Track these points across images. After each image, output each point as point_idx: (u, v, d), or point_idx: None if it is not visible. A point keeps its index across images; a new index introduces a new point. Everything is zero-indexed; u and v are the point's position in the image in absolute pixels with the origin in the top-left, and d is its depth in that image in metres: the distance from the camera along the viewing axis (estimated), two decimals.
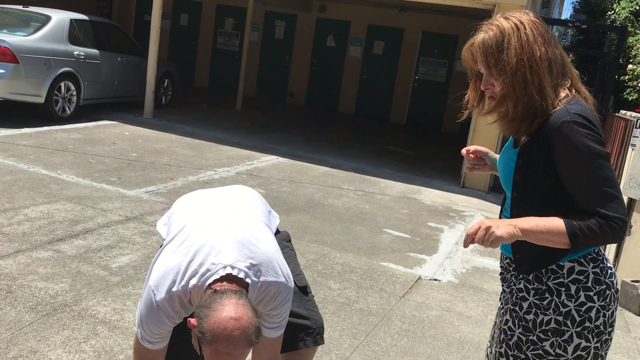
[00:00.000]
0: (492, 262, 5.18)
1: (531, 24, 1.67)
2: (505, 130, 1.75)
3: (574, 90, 1.69)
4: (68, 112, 8.36)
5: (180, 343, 1.95)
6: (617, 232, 1.57)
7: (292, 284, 1.89)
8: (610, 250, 5.35)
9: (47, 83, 7.82)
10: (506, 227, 1.59)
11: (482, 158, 2.08)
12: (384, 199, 6.82)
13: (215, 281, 1.69)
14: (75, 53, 8.31)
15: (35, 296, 3.24)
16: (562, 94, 1.67)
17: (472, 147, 2.08)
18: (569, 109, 1.61)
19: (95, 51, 8.79)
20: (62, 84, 8.14)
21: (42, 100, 7.81)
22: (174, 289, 1.72)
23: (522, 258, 1.75)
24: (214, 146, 8.25)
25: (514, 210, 1.76)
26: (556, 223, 1.60)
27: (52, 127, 7.76)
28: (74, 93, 8.40)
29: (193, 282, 1.71)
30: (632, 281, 4.65)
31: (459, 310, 4.02)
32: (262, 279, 1.77)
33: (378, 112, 14.41)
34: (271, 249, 1.84)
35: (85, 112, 8.87)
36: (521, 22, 1.66)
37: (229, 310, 1.56)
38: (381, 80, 14.32)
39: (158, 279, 1.74)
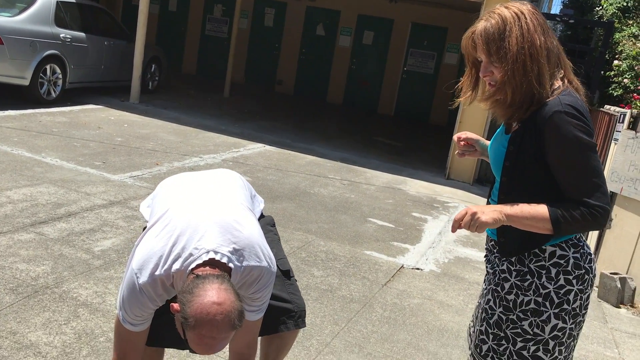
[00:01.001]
0: (474, 252, 5.23)
1: (531, 13, 1.71)
2: (500, 116, 1.80)
3: (566, 81, 1.73)
4: (53, 95, 8.27)
5: (162, 324, 1.96)
6: (599, 220, 1.63)
7: (274, 268, 1.90)
8: (590, 242, 5.42)
9: (33, 65, 7.73)
10: (491, 213, 1.64)
11: (472, 145, 2.12)
12: (370, 189, 6.85)
13: (198, 266, 1.69)
14: (61, 35, 8.22)
15: (16, 278, 3.23)
16: (556, 85, 1.72)
17: (462, 134, 2.13)
18: (561, 99, 1.66)
19: (81, 34, 8.70)
20: (48, 67, 8.05)
21: (27, 82, 7.72)
22: (157, 272, 1.72)
23: (507, 242, 1.81)
24: (201, 133, 8.22)
25: (501, 195, 1.81)
26: (540, 209, 1.65)
27: (37, 110, 7.68)
28: (60, 76, 8.31)
29: (176, 266, 1.71)
30: (610, 273, 4.73)
31: (440, 299, 4.06)
32: (244, 263, 1.78)
33: (366, 103, 14.42)
34: (254, 234, 1.85)
35: (71, 96, 8.79)
36: (522, 12, 1.71)
37: (212, 295, 1.57)
38: (370, 71, 14.32)
39: (141, 262, 1.74)
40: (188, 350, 1.66)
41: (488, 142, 2.09)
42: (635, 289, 4.69)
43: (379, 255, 4.68)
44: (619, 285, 4.63)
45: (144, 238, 1.81)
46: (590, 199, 1.63)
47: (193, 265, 1.69)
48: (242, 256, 1.77)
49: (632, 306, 4.67)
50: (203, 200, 1.89)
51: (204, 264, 1.69)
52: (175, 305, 1.62)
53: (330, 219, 5.38)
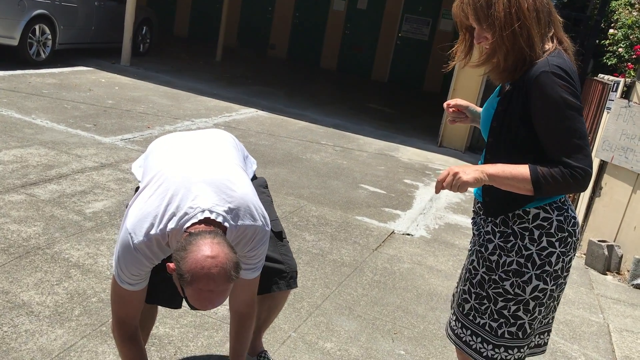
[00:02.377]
0: (464, 219, 5.27)
1: None
2: (496, 80, 1.80)
3: (556, 41, 1.72)
4: (43, 56, 8.14)
5: (158, 282, 1.98)
6: (580, 182, 1.63)
7: (269, 227, 1.91)
8: (580, 210, 5.48)
9: (21, 25, 7.58)
10: (473, 172, 1.64)
11: (463, 112, 2.12)
12: (362, 156, 6.85)
13: (193, 224, 1.70)
14: None
15: (7, 238, 3.23)
16: (547, 47, 1.71)
17: (452, 101, 2.13)
18: (549, 60, 1.66)
19: None
20: (37, 27, 7.90)
21: (15, 42, 7.58)
22: (152, 232, 1.72)
23: (491, 201, 1.83)
24: (192, 96, 8.15)
25: (487, 155, 1.82)
26: (522, 170, 1.65)
27: (27, 71, 7.57)
28: (49, 37, 8.17)
29: (171, 225, 1.72)
30: (598, 241, 4.79)
31: (429, 264, 4.11)
32: (239, 222, 1.79)
33: (360, 69, 14.31)
34: (248, 193, 1.85)
35: (60, 57, 8.66)
36: None
37: (205, 249, 1.58)
38: (364, 37, 14.16)
39: (135, 222, 1.74)
40: (189, 308, 1.68)
41: (479, 109, 2.09)
42: (622, 256, 4.76)
43: (370, 221, 4.71)
44: (606, 253, 4.70)
45: (137, 198, 1.81)
46: (571, 160, 1.62)
47: (188, 224, 1.70)
48: (237, 215, 1.78)
49: (618, 273, 4.75)
50: (196, 160, 1.89)
51: (199, 222, 1.70)
52: (171, 265, 1.63)
53: (322, 185, 5.39)
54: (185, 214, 1.71)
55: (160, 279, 1.95)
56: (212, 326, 2.83)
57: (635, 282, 4.55)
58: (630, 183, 4.78)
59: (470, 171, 1.65)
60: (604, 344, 3.49)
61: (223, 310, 2.97)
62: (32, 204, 3.73)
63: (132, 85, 8.09)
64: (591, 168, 1.64)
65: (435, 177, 6.54)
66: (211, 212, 1.72)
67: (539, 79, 1.64)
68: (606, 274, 4.72)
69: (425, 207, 5.38)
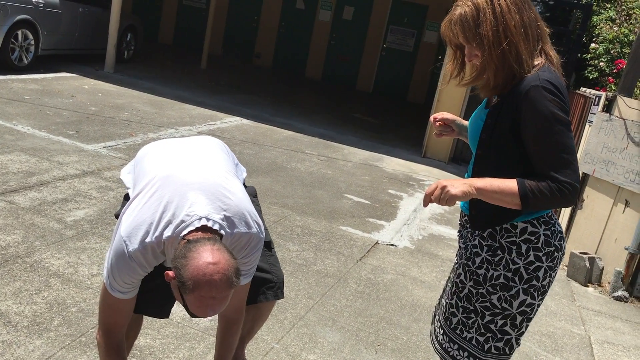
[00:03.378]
0: (448, 230, 5.28)
1: None
2: (487, 95, 1.81)
3: (544, 54, 1.73)
4: (25, 61, 8.05)
5: (147, 292, 1.95)
6: (567, 197, 1.63)
7: (263, 234, 1.90)
8: (562, 222, 5.52)
9: (3, 30, 7.49)
10: (461, 186, 1.64)
11: (449, 125, 2.13)
12: (347, 165, 6.85)
13: (190, 232, 1.69)
14: (33, 0, 7.97)
15: None
16: (536, 62, 1.72)
17: (439, 115, 2.13)
18: (540, 74, 1.67)
19: (55, 0, 8.45)
20: (20, 32, 7.81)
21: None
22: (147, 239, 1.71)
23: (478, 215, 1.83)
24: (177, 104, 8.10)
25: (476, 167, 1.82)
26: (509, 184, 1.66)
27: (8, 77, 7.48)
28: (32, 42, 8.08)
29: (167, 233, 1.70)
30: (580, 253, 4.83)
31: (413, 275, 4.11)
32: (235, 230, 1.78)
33: (345, 79, 14.36)
34: (243, 200, 1.84)
35: (43, 63, 8.57)
36: None
37: (206, 256, 1.57)
38: (350, 47, 14.23)
39: (130, 230, 1.72)
40: (189, 315, 1.66)
41: (465, 122, 2.10)
42: (603, 268, 4.80)
43: (354, 231, 4.71)
44: (587, 265, 4.74)
45: (131, 205, 1.79)
46: (559, 175, 1.63)
47: (185, 232, 1.69)
48: (233, 223, 1.77)
49: (599, 285, 4.79)
50: (190, 167, 1.87)
51: (196, 230, 1.69)
52: (170, 273, 1.61)
53: (306, 194, 5.38)
54: (182, 221, 1.70)
55: (148, 288, 1.92)
56: (194, 337, 2.79)
57: (616, 294, 4.59)
58: (611, 196, 4.84)
59: (458, 185, 1.65)
60: (586, 356, 3.51)
61: (205, 321, 2.94)
62: (12, 211, 3.67)
63: (115, 92, 8.03)
64: (578, 183, 1.65)
65: (419, 188, 6.56)
66: (208, 219, 1.71)
67: (529, 94, 1.65)
68: (588, 286, 4.76)
69: (409, 217, 5.39)
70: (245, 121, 8.00)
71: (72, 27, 8.90)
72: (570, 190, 1.63)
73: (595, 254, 4.90)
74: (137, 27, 10.66)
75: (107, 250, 1.81)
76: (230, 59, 14.73)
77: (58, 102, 6.71)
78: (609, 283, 4.70)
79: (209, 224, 1.70)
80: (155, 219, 1.72)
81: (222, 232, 1.73)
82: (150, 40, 14.21)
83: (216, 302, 1.59)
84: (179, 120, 7.17)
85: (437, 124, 2.13)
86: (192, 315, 1.64)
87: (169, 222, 1.71)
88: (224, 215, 1.75)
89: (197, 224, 1.69)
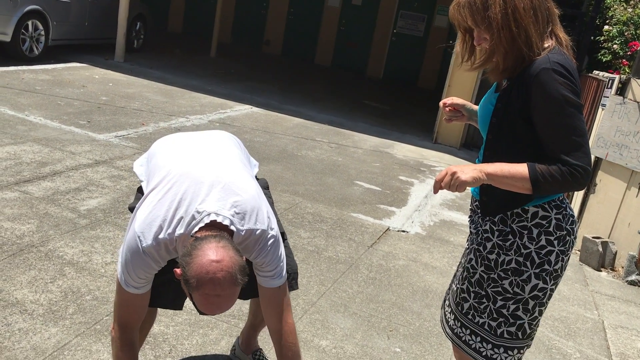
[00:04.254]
0: (459, 215, 5.27)
1: None
2: (496, 79, 1.79)
3: (554, 37, 1.71)
4: (36, 52, 8.09)
5: (160, 285, 1.97)
6: (578, 180, 1.62)
7: (275, 232, 1.87)
8: (574, 206, 5.49)
9: (14, 20, 7.53)
10: (471, 172, 1.63)
11: (459, 110, 2.11)
12: (357, 152, 6.84)
13: (200, 229, 1.69)
14: None
15: (1, 236, 3.20)
16: (546, 44, 1.70)
17: (448, 100, 2.12)
18: (550, 57, 1.65)
19: None
20: (30, 23, 7.84)
21: (8, 38, 7.53)
22: (161, 236, 1.72)
23: (489, 200, 1.82)
24: (187, 93, 8.11)
25: (486, 152, 1.81)
26: (520, 168, 1.65)
27: (19, 67, 7.52)
28: (42, 32, 8.11)
29: (180, 231, 1.71)
30: (592, 237, 4.80)
31: (424, 261, 4.11)
32: (245, 226, 1.77)
33: (355, 65, 14.29)
34: (255, 197, 1.84)
35: (54, 53, 8.60)
36: None
37: (210, 254, 1.57)
38: (359, 33, 14.14)
39: (144, 226, 1.73)
40: (198, 313, 1.67)
41: (475, 107, 2.08)
42: (616, 252, 4.77)
43: (365, 218, 4.71)
44: (600, 249, 4.71)
45: (145, 201, 1.80)
46: (570, 158, 1.61)
47: (196, 229, 1.69)
48: (243, 219, 1.77)
49: (612, 269, 4.76)
50: (204, 163, 1.87)
51: (206, 226, 1.69)
52: (178, 270, 1.63)
53: (317, 182, 5.38)
54: (193, 218, 1.71)
55: (162, 282, 1.94)
56: (207, 324, 2.82)
57: (629, 278, 4.57)
58: (624, 180, 4.79)
59: (468, 170, 1.64)
60: (599, 341, 3.50)
61: None
62: (26, 201, 3.70)
63: (126, 81, 8.05)
64: (590, 166, 1.63)
65: (430, 174, 6.54)
66: (217, 214, 1.71)
67: (540, 76, 1.63)
68: (600, 271, 4.73)
69: (420, 203, 5.38)
70: (255, 109, 8.00)
71: (81, 17, 8.91)
72: (582, 173, 1.61)
73: (608, 238, 4.87)
74: (146, 15, 10.66)
75: (121, 246, 1.82)
76: (240, 46, 14.70)
77: (69, 92, 6.74)
78: (622, 267, 4.68)
79: (219, 220, 1.70)
80: (169, 215, 1.73)
81: (233, 228, 1.73)
82: (160, 29, 14.21)
83: (222, 300, 1.59)
84: (190, 109, 7.18)
85: (447, 109, 2.12)
86: (201, 312, 1.65)
87: (182, 220, 1.72)
88: (234, 211, 1.75)
89: (207, 220, 1.69)
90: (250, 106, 8.10)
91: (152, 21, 11.13)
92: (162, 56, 10.84)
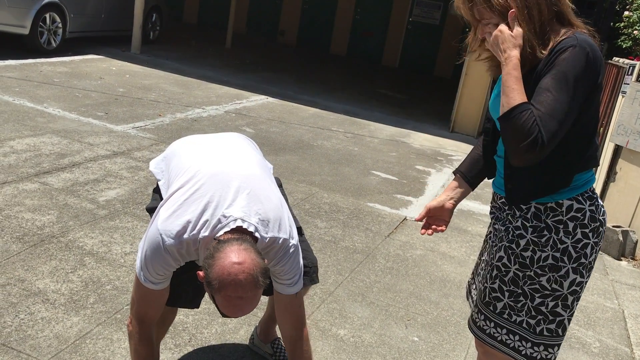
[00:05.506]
0: (477, 205, 5.24)
1: None
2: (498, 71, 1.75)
3: (574, 28, 1.68)
4: (54, 44, 8.16)
5: (180, 285, 1.98)
6: (533, 147, 1.54)
7: (295, 242, 1.88)
8: None
9: (32, 13, 7.59)
10: (514, 49, 1.61)
11: (440, 217, 1.99)
12: (373, 142, 6.82)
13: (225, 233, 1.70)
14: None
15: (22, 227, 3.25)
16: (562, 30, 1.65)
17: (422, 213, 2.00)
18: (578, 37, 1.61)
19: None
20: (47, 15, 7.90)
21: (26, 31, 7.60)
22: (185, 236, 1.72)
23: (514, 188, 1.77)
24: (203, 84, 8.14)
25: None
26: (516, 97, 1.58)
27: (38, 60, 7.59)
28: (60, 25, 8.17)
29: (205, 233, 1.72)
30: (613, 226, 4.75)
31: (442, 251, 4.09)
32: (269, 234, 1.78)
33: (371, 54, 14.22)
34: (278, 206, 1.85)
35: (71, 46, 8.67)
36: None
37: (232, 256, 1.58)
38: (375, 22, 14.06)
39: (168, 224, 1.73)
40: (221, 315, 1.68)
41: (450, 203, 1.98)
42: (637, 241, 4.72)
43: (382, 208, 4.70)
44: (620, 238, 4.66)
45: (171, 199, 1.79)
46: (545, 130, 1.54)
47: (221, 233, 1.70)
48: (267, 226, 1.78)
49: (633, 259, 4.71)
50: (230, 166, 1.87)
51: (231, 231, 1.70)
52: (201, 273, 1.64)
53: (333, 172, 5.37)
54: (219, 221, 1.71)
55: (179, 282, 1.95)
56: None
57: None
58: None
59: (509, 46, 1.61)
60: (619, 330, 3.47)
61: None
62: (46, 192, 3.75)
63: (142, 73, 8.09)
64: (545, 148, 1.55)
65: (447, 163, 6.50)
66: (243, 221, 1.71)
67: (564, 52, 1.59)
68: (621, 260, 4.68)
69: (437, 193, 5.36)
70: (271, 99, 8.00)
71: (98, 10, 8.96)
72: (541, 144, 1.54)
73: (629, 227, 4.81)
74: (161, 7, 10.69)
75: (141, 240, 1.83)
76: (255, 37, 14.69)
77: (87, 84, 6.80)
78: None
79: (244, 225, 1.71)
80: (195, 216, 1.73)
81: (257, 235, 1.74)
82: (175, 20, 14.24)
83: (244, 302, 1.59)
84: (206, 100, 7.20)
85: (429, 231, 1.99)
86: (223, 315, 1.66)
87: (207, 222, 1.72)
88: (259, 218, 1.76)
89: (233, 225, 1.70)
90: (266, 96, 8.11)
91: (167, 13, 11.16)
92: (178, 47, 10.87)
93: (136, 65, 8.47)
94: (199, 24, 15.22)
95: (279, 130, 6.43)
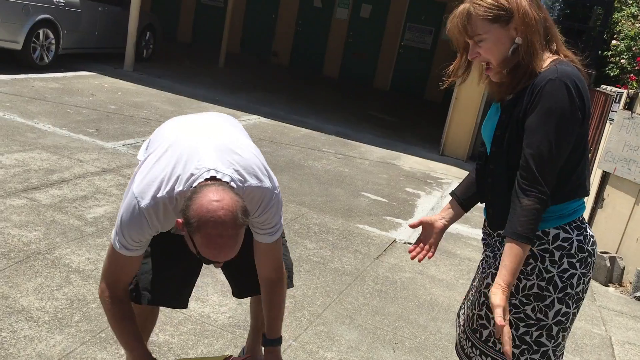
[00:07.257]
0: (466, 228, 5.25)
1: None
2: (497, 95, 1.77)
3: (561, 55, 1.70)
4: (46, 60, 8.16)
5: (165, 280, 1.96)
6: (545, 203, 1.62)
7: (277, 190, 1.88)
8: None
9: (25, 29, 7.60)
10: (499, 295, 1.61)
11: (428, 236, 2.04)
12: (364, 163, 6.84)
13: (199, 185, 1.68)
14: (54, 0, 8.07)
15: (7, 243, 3.22)
16: (548, 59, 1.67)
17: (416, 222, 2.05)
18: (558, 68, 1.62)
19: None
20: (41, 32, 7.91)
21: (19, 46, 7.60)
22: (159, 194, 1.70)
23: (495, 213, 1.78)
24: (195, 103, 8.15)
25: (491, 165, 1.78)
26: (515, 253, 1.62)
27: (30, 75, 7.58)
28: (53, 41, 8.18)
29: (178, 187, 1.70)
30: (601, 252, 4.77)
31: (431, 274, 4.09)
32: (246, 184, 1.76)
33: (362, 77, 14.33)
34: (255, 154, 1.84)
35: (64, 62, 8.67)
36: None
37: (211, 195, 1.57)
38: (367, 45, 14.19)
39: (142, 186, 1.72)
40: (204, 262, 1.66)
41: (440, 222, 2.02)
42: (624, 268, 4.74)
43: (372, 229, 4.70)
44: (608, 264, 4.68)
45: (143, 165, 1.79)
46: (539, 185, 1.61)
47: (195, 184, 1.68)
48: (243, 177, 1.76)
49: (620, 285, 4.73)
50: (202, 130, 1.88)
51: (205, 181, 1.68)
52: (180, 220, 1.61)
53: (323, 192, 5.38)
54: (192, 174, 1.69)
55: (164, 277, 1.93)
56: (212, 334, 2.81)
57: (637, 294, 4.53)
58: (632, 194, 4.77)
59: (496, 297, 1.61)
60: (606, 357, 3.47)
61: (223, 318, 2.96)
62: (33, 208, 3.72)
63: (134, 90, 8.10)
64: (547, 192, 1.62)
65: (437, 186, 6.53)
66: (217, 171, 1.70)
67: (546, 87, 1.60)
68: (608, 286, 4.70)
69: (426, 215, 5.36)
70: (262, 119, 8.02)
71: (92, 26, 8.99)
72: (545, 199, 1.61)
73: (616, 253, 4.84)
74: (155, 26, 10.74)
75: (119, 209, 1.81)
76: (248, 57, 14.77)
77: (78, 101, 6.79)
78: (630, 283, 4.64)
79: (219, 176, 1.69)
80: (167, 174, 1.72)
81: (233, 184, 1.71)
82: (169, 39, 14.30)
83: (224, 241, 1.56)
84: None
85: (423, 254, 2.04)
86: (205, 261, 1.63)
87: (180, 177, 1.71)
88: (233, 169, 1.74)
89: (206, 175, 1.68)
90: (258, 116, 8.13)
91: (161, 31, 11.21)
92: (171, 66, 10.90)
93: (128, 83, 8.48)
94: (192, 43, 15.29)
95: (270, 150, 6.44)
